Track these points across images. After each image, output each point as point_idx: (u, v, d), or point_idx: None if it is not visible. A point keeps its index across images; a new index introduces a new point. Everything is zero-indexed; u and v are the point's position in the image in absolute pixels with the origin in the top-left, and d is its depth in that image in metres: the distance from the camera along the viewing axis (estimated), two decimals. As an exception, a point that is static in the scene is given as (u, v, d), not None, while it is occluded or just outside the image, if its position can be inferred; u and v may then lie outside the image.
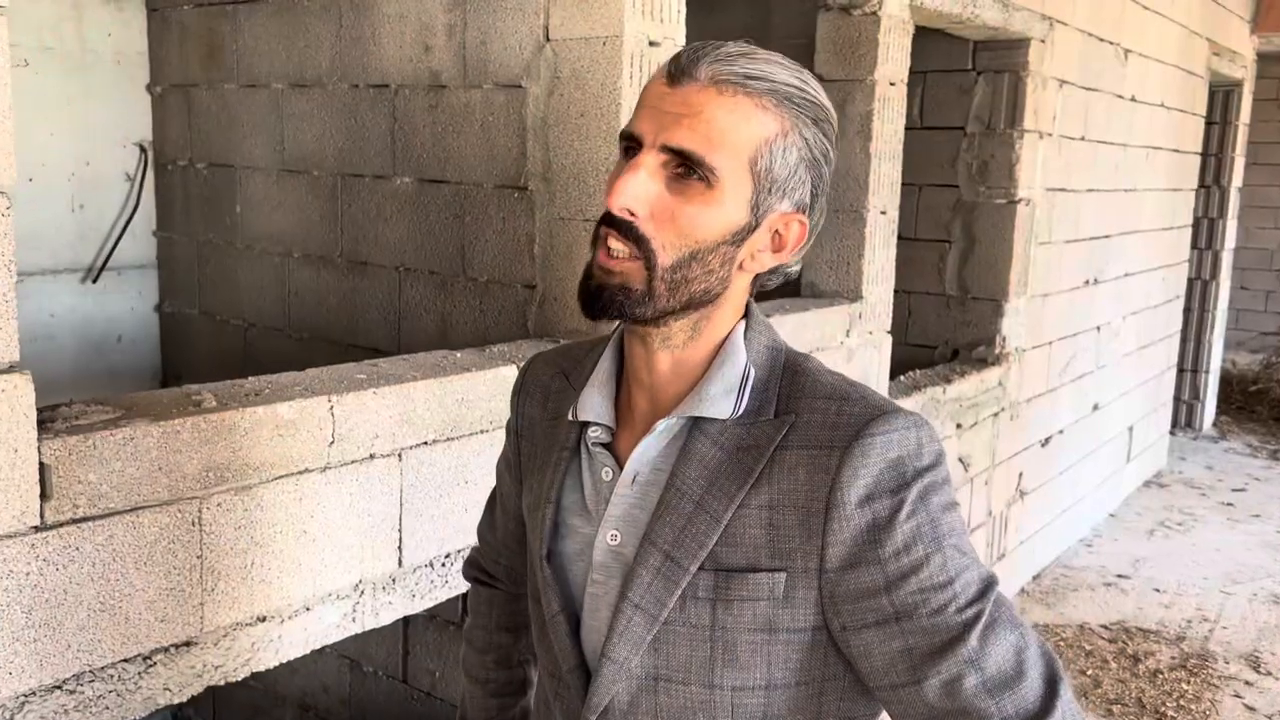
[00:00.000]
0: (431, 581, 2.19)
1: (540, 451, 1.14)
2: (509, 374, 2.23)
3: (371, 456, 2.03)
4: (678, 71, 0.97)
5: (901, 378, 4.01)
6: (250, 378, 2.02)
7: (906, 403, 3.76)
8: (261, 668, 1.92)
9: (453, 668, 2.94)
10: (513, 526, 1.27)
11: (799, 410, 1.00)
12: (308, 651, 1.98)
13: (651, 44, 2.45)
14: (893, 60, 3.42)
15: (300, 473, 1.91)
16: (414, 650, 3.04)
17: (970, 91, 4.35)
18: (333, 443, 1.95)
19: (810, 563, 0.96)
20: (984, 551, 4.57)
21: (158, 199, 3.68)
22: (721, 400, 1.01)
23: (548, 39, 2.53)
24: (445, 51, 2.76)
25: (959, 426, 4.14)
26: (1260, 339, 10.27)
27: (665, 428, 1.03)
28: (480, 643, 1.38)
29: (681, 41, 2.51)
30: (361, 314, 3.11)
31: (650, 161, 0.96)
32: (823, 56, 3.43)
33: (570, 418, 1.08)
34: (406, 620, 2.96)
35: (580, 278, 1.02)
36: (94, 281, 3.58)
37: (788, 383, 1.03)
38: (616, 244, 0.98)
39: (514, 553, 1.31)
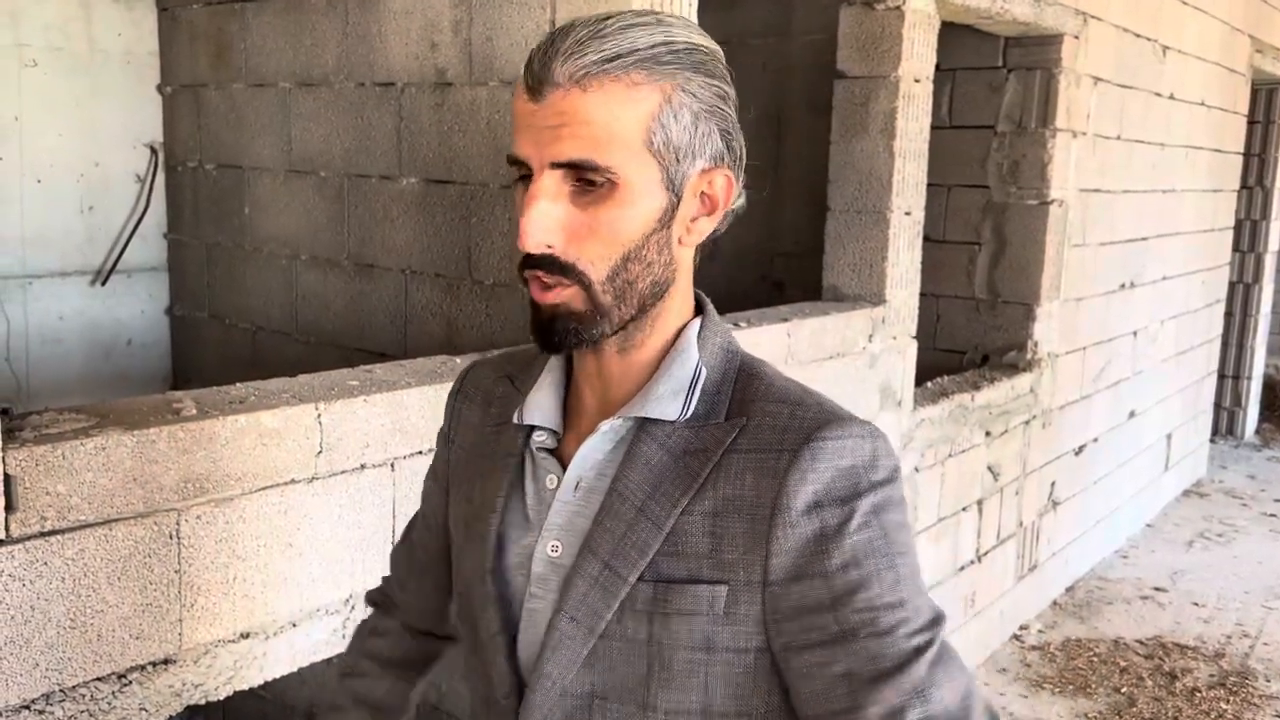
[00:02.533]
0: (427, 596, 2.11)
1: (479, 459, 1.07)
2: (509, 380, 2.15)
3: (362, 467, 1.95)
4: (535, 83, 0.88)
5: (928, 384, 3.89)
6: (238, 384, 1.95)
7: (933, 410, 3.65)
8: (245, 686, 1.85)
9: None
10: (435, 546, 1.18)
11: (750, 414, 0.94)
12: (295, 669, 1.91)
13: (661, 38, 2.36)
14: (917, 56, 3.31)
15: (286, 483, 1.84)
16: (421, 663, 2.97)
17: (1001, 89, 4.23)
18: (320, 452, 1.88)
19: (753, 575, 0.90)
20: (1014, 563, 4.44)
21: (168, 200, 3.63)
22: (669, 401, 0.95)
23: (554, 34, 2.45)
24: (451, 48, 2.69)
25: (988, 434, 4.02)
26: (1304, 344, 10.01)
27: (610, 429, 0.96)
28: (349, 667, 1.28)
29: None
30: (368, 318, 3.05)
31: (547, 185, 0.89)
32: (845, 52, 3.33)
33: (515, 420, 1.02)
34: (413, 632, 2.88)
35: (529, 315, 0.95)
36: (103, 284, 3.54)
37: (741, 387, 0.96)
38: (546, 278, 0.91)
39: (422, 585, 1.23)
